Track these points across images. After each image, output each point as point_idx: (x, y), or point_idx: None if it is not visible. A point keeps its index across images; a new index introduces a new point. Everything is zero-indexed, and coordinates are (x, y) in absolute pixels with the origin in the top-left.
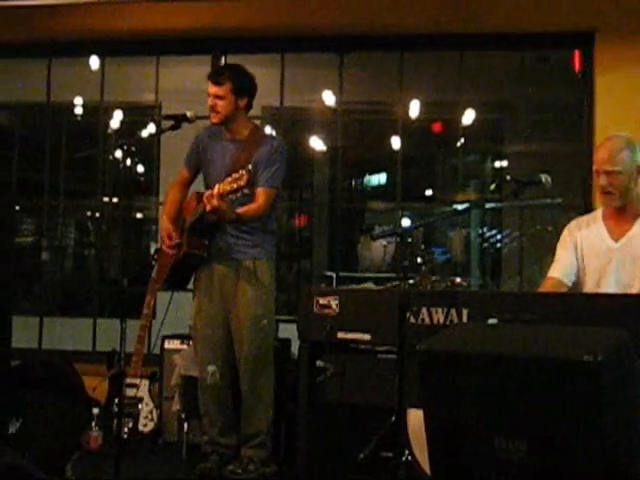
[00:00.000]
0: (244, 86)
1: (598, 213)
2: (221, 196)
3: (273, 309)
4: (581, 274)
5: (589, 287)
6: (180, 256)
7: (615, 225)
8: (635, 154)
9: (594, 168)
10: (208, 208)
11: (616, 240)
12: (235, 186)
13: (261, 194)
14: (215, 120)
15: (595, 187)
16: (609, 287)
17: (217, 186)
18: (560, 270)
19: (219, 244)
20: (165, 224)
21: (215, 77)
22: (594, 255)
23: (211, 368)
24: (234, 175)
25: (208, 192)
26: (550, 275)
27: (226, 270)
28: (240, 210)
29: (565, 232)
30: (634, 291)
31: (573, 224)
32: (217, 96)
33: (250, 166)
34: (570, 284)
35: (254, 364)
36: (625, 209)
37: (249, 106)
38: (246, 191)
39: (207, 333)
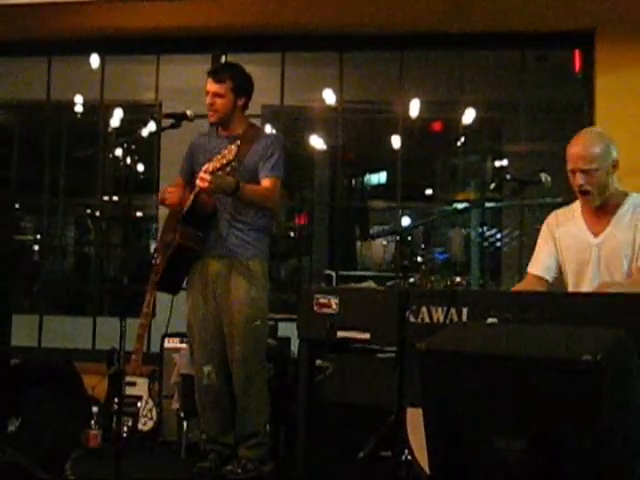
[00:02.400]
0: (244, 85)
1: (577, 207)
2: (211, 174)
3: (267, 309)
4: (562, 269)
5: (570, 282)
6: (174, 249)
7: (594, 220)
8: (609, 148)
9: (569, 167)
10: (202, 185)
11: (595, 235)
12: (224, 161)
13: (267, 181)
14: (213, 119)
15: (571, 184)
16: (590, 282)
17: (206, 165)
18: (539, 267)
19: (212, 241)
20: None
21: (216, 74)
22: (574, 250)
23: (207, 368)
24: (223, 152)
25: (200, 173)
26: (529, 271)
27: (219, 269)
28: (244, 184)
29: (544, 227)
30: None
31: (551, 218)
32: (216, 94)
33: (238, 141)
34: (551, 279)
35: (247, 365)
36: (603, 203)
37: (246, 106)
38: (234, 164)
39: (202, 333)
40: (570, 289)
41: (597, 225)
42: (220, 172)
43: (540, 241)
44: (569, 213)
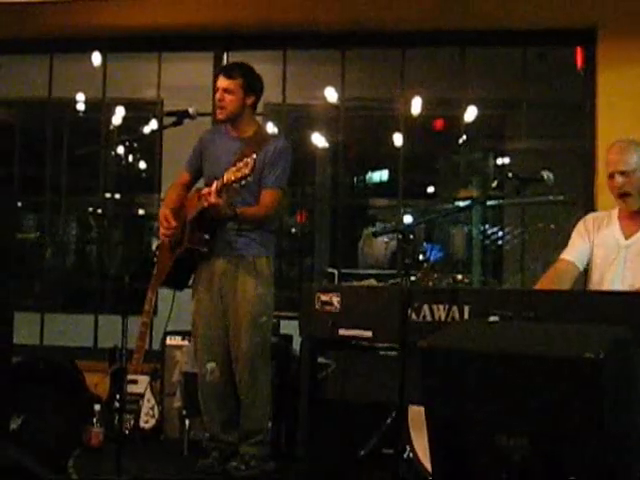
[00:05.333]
0: (254, 84)
1: (614, 212)
2: (225, 186)
3: (272, 306)
4: (589, 266)
5: (594, 280)
6: (182, 251)
7: (628, 224)
8: None
9: (608, 171)
10: (205, 205)
11: (627, 237)
12: (240, 175)
13: (267, 195)
14: (221, 117)
15: (611, 190)
16: (613, 281)
17: (215, 183)
18: (573, 254)
19: (219, 241)
20: (163, 210)
21: (227, 71)
22: (603, 249)
23: (210, 365)
24: (238, 164)
25: (205, 190)
26: (563, 257)
27: (226, 267)
28: (240, 209)
29: (581, 223)
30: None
31: (590, 217)
32: (226, 90)
33: (255, 155)
34: (582, 269)
35: (253, 361)
36: None
37: (255, 105)
38: (250, 179)
39: (207, 330)
40: (593, 286)
41: (630, 228)
42: (235, 184)
43: (575, 236)
44: (606, 217)
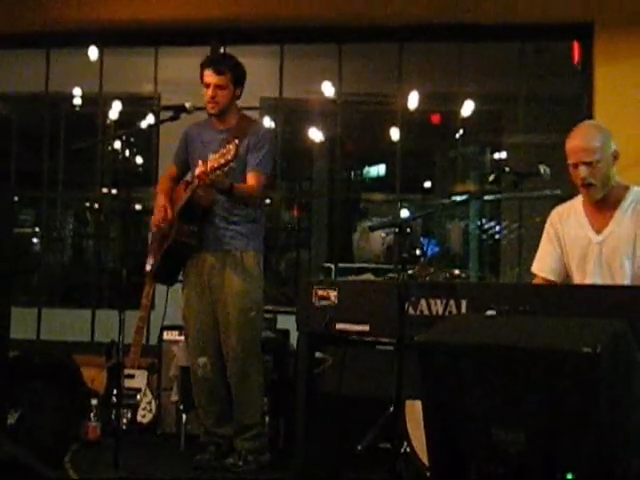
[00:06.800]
0: (241, 76)
1: (578, 202)
2: (210, 172)
3: (261, 301)
4: (567, 266)
5: (575, 279)
6: (170, 245)
7: (596, 215)
8: (608, 140)
9: (570, 161)
10: (200, 183)
11: (597, 232)
12: (222, 161)
13: (251, 177)
14: (214, 111)
15: (573, 179)
16: (591, 278)
17: (204, 164)
18: (546, 267)
19: (207, 235)
20: (161, 200)
21: (217, 66)
22: (577, 247)
23: (202, 360)
24: (221, 151)
25: (198, 169)
26: (537, 273)
27: (214, 262)
28: (236, 186)
29: (548, 226)
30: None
31: (554, 215)
32: (218, 86)
33: (237, 140)
34: (558, 279)
35: (242, 356)
36: (605, 198)
37: (240, 95)
38: (232, 165)
39: (197, 325)
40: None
41: (599, 221)
42: (218, 172)
43: (544, 241)
44: (571, 209)
